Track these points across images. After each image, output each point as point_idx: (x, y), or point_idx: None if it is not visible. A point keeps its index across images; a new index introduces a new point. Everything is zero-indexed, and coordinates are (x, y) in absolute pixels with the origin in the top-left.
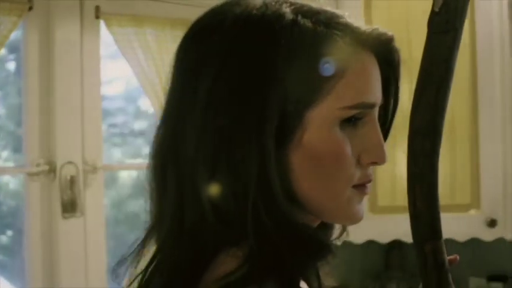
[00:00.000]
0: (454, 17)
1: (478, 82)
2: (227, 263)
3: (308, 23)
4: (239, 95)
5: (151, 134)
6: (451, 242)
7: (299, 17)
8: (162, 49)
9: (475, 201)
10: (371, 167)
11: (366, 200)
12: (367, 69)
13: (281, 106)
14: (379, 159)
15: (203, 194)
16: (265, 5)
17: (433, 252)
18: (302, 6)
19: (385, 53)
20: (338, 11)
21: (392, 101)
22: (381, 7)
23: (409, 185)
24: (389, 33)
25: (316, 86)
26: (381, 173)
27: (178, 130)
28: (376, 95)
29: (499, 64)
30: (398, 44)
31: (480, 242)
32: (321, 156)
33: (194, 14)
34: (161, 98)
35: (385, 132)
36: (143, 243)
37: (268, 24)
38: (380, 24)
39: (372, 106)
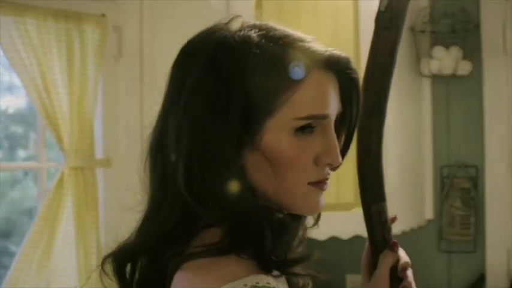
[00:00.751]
0: (396, 15)
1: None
2: (209, 238)
3: (270, 46)
4: (211, 104)
5: None
6: (335, 239)
7: (263, 41)
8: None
9: (359, 200)
10: (327, 168)
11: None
12: (321, 85)
13: (244, 113)
14: (333, 161)
15: (185, 187)
16: (239, 31)
17: (378, 212)
18: (269, 31)
19: (344, 72)
20: (303, 36)
21: (355, 109)
22: (272, 7)
23: (359, 156)
24: (345, 54)
25: (273, 99)
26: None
27: (164, 130)
28: (329, 108)
29: None
30: None
31: (363, 239)
32: (275, 159)
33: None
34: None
35: (351, 133)
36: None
37: (238, 47)
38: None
39: (324, 117)
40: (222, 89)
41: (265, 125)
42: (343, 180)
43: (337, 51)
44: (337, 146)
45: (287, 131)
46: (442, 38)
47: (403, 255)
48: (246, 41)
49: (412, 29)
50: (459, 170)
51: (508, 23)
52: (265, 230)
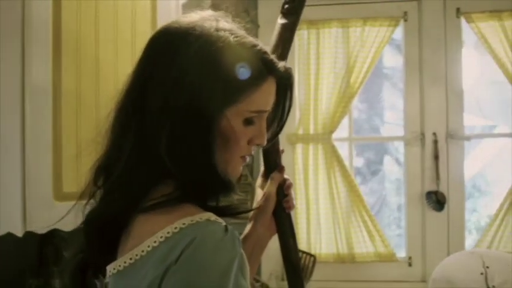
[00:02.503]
0: (298, 5)
1: None
2: (165, 189)
3: (245, 52)
4: (197, 87)
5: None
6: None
7: (241, 47)
8: None
9: None
10: (254, 146)
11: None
12: (271, 89)
13: (211, 103)
14: (262, 143)
15: (159, 145)
16: (217, 30)
17: (273, 142)
18: (242, 38)
19: (285, 79)
20: (265, 47)
21: (286, 107)
22: (71, 7)
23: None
24: (289, 66)
25: (239, 94)
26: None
27: (144, 98)
28: (270, 106)
29: None
30: (87, 40)
31: None
32: (227, 138)
33: None
34: None
35: (282, 125)
36: (96, 179)
37: (220, 46)
38: (70, 23)
39: (266, 112)
40: (206, 78)
41: (224, 114)
42: None
43: (287, 65)
44: (265, 133)
45: (240, 118)
46: None
47: (287, 177)
48: (227, 42)
49: None
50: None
51: None
52: (216, 186)
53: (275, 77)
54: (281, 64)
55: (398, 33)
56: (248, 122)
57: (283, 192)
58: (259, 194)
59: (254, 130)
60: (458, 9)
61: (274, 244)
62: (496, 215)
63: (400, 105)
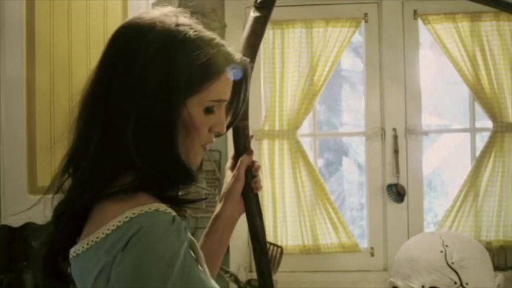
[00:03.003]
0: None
1: None
2: (126, 179)
3: (205, 46)
4: (163, 80)
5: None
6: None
7: (200, 41)
8: None
9: None
10: (213, 134)
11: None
12: (229, 80)
13: (174, 93)
14: (222, 131)
15: (125, 137)
16: (177, 25)
17: (243, 127)
18: (200, 32)
19: (242, 71)
20: (222, 40)
21: (242, 96)
22: (44, 7)
23: None
24: (248, 60)
25: (201, 84)
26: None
27: (109, 91)
28: (228, 95)
29: None
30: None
31: None
32: (188, 126)
33: None
34: None
35: (238, 114)
36: (66, 170)
37: (181, 41)
38: (43, 21)
39: (225, 101)
40: (168, 71)
41: (186, 103)
42: None
43: (243, 57)
44: (225, 121)
45: (201, 107)
46: None
47: (256, 160)
48: (187, 37)
49: None
50: (205, 154)
51: None
52: (178, 176)
53: (232, 68)
54: (237, 56)
55: (357, 35)
56: (208, 111)
57: (251, 174)
58: (228, 175)
59: (214, 118)
60: (415, 11)
61: (242, 237)
62: (452, 206)
63: (358, 107)
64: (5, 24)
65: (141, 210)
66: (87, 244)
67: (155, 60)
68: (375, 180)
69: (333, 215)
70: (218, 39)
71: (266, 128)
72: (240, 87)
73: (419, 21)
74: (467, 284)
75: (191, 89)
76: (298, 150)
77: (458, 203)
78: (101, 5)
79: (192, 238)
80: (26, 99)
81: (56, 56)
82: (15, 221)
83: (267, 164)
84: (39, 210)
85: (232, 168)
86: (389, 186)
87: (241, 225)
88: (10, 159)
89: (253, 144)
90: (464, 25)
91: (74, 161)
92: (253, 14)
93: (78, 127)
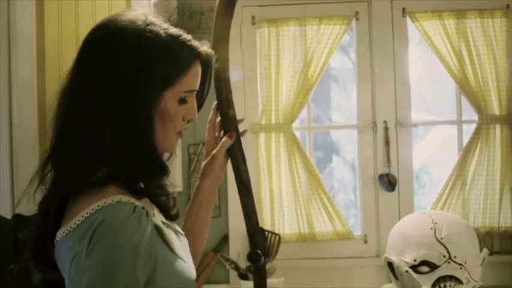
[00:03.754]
0: (230, 5)
1: None
2: (102, 172)
3: (175, 43)
4: (139, 77)
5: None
6: None
7: (169, 38)
8: None
9: None
10: (187, 122)
11: None
12: (198, 72)
13: (150, 88)
14: (194, 118)
15: (101, 132)
16: (148, 25)
17: (225, 80)
18: (168, 29)
19: (208, 62)
20: (188, 35)
21: (207, 84)
22: (52, 6)
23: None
24: (212, 52)
25: (171, 80)
26: None
27: (88, 90)
28: (197, 85)
29: None
30: (68, 37)
31: None
32: (164, 116)
33: None
34: None
35: (202, 102)
36: (44, 167)
37: (152, 39)
38: (51, 22)
39: (195, 91)
40: (143, 69)
41: (163, 95)
42: None
43: (208, 49)
44: (196, 109)
45: (176, 99)
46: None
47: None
48: (158, 36)
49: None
50: (204, 147)
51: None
52: (152, 168)
53: (199, 59)
54: (203, 48)
55: (346, 35)
56: (182, 101)
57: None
58: (208, 151)
59: (187, 108)
60: (404, 9)
61: (241, 226)
62: (441, 194)
63: (347, 105)
64: (16, 33)
65: (105, 203)
66: (63, 232)
67: (132, 58)
68: (367, 170)
69: (328, 205)
70: (185, 35)
71: (263, 121)
72: (206, 75)
73: (408, 19)
74: (455, 257)
75: (166, 82)
76: (294, 143)
77: (446, 192)
78: (106, 5)
79: (161, 225)
80: (37, 101)
81: (64, 60)
82: (28, 211)
83: (264, 156)
84: None
85: (212, 121)
86: (381, 176)
87: (240, 217)
88: (22, 154)
89: (250, 138)
90: (451, 22)
91: (54, 157)
92: (216, 17)
93: (57, 124)
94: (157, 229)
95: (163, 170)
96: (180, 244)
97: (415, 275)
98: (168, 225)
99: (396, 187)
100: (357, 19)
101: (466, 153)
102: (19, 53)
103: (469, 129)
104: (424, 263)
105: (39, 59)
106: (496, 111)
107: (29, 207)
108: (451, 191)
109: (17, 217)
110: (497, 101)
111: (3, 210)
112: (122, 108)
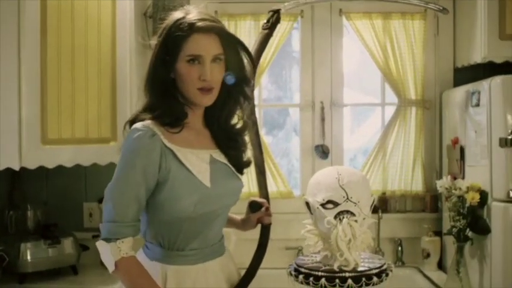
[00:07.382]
0: (274, 25)
1: None
2: (148, 115)
3: (180, 28)
4: (164, 51)
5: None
6: (95, 165)
7: (176, 25)
8: None
9: (114, 135)
10: (205, 82)
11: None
12: (195, 40)
13: (171, 56)
14: (205, 77)
15: (146, 92)
16: (174, 21)
17: (253, 122)
18: (177, 21)
19: (221, 32)
20: (191, 15)
21: (233, 50)
22: (53, 7)
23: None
24: (211, 25)
25: (177, 49)
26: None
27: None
28: (201, 51)
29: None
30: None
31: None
32: (181, 75)
33: None
34: None
35: (233, 66)
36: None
37: (170, 28)
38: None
39: (199, 56)
40: (167, 46)
41: (178, 60)
42: (103, 118)
43: (205, 22)
44: (207, 70)
45: (184, 61)
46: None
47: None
48: (168, 22)
49: (144, 15)
50: None
51: None
52: (177, 111)
53: (197, 31)
54: (200, 23)
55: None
56: (190, 61)
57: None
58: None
59: (199, 69)
60: (340, 10)
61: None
62: (366, 163)
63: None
64: (25, 28)
65: (133, 127)
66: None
67: (158, 43)
68: (306, 141)
69: (273, 169)
70: (186, 17)
71: None
72: (227, 42)
73: (343, 18)
74: (351, 197)
75: (177, 52)
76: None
77: (370, 161)
78: (110, 5)
79: (172, 147)
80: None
81: (64, 49)
82: (32, 165)
83: None
84: (50, 157)
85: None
86: (317, 147)
87: None
88: (28, 116)
89: None
90: (378, 22)
91: (147, 107)
92: (262, 30)
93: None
94: (169, 149)
95: (180, 116)
96: (205, 165)
97: (323, 210)
98: (211, 156)
99: (329, 155)
100: (302, 16)
101: (386, 129)
102: (27, 47)
103: (391, 109)
104: (329, 202)
105: (42, 51)
106: (413, 96)
107: (33, 162)
108: (374, 160)
109: (21, 170)
110: (413, 88)
111: (12, 163)
112: (155, 75)
